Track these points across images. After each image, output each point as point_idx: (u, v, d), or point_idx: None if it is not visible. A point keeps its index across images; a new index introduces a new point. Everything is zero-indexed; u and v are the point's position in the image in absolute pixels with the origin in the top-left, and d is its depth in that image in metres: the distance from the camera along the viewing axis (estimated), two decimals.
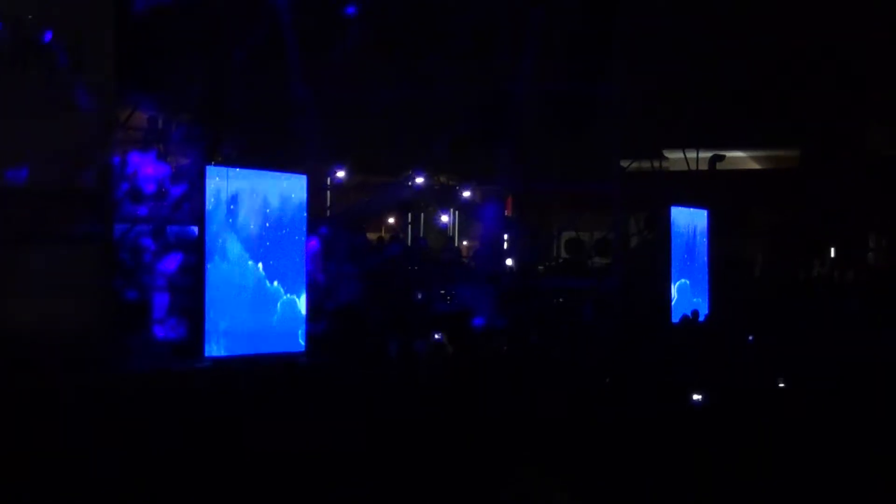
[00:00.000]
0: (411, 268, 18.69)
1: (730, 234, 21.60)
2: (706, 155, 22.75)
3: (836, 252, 27.01)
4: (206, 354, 12.14)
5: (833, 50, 24.07)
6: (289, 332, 13.11)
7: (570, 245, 23.10)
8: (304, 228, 13.41)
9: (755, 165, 29.07)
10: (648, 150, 21.62)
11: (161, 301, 12.94)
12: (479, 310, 16.26)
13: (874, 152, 26.52)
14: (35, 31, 11.09)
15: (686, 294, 18.63)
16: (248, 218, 12.72)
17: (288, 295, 13.06)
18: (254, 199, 12.79)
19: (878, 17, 23.71)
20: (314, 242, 14.40)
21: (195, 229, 12.57)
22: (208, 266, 12.24)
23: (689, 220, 19.04)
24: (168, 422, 9.33)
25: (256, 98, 15.39)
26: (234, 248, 12.54)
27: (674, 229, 18.51)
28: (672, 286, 18.26)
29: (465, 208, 23.47)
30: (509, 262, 21.63)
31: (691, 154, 22.10)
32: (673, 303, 18.14)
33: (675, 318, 17.15)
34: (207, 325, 12.18)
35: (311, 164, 15.65)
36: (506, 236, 22.41)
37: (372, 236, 21.49)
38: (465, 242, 26.05)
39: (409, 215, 24.30)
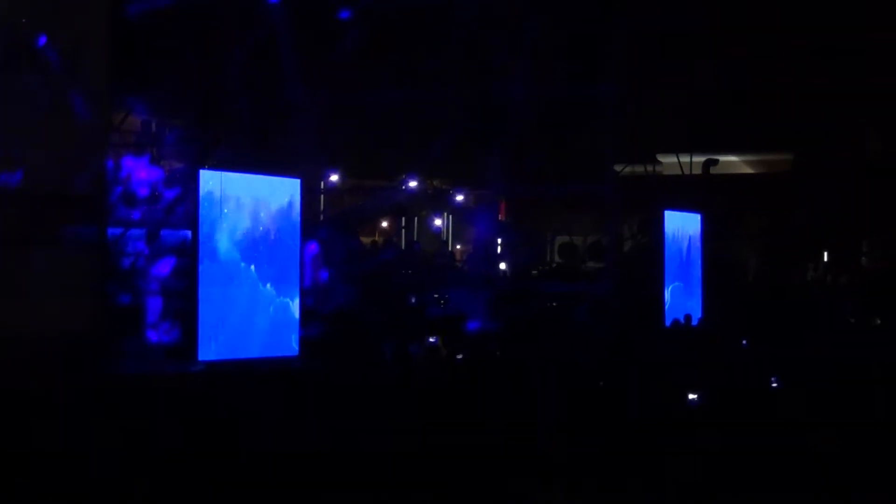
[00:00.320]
0: (405, 272, 18.69)
1: (723, 237, 21.60)
2: (700, 159, 22.74)
3: (829, 255, 27.07)
4: (200, 358, 12.12)
5: (826, 54, 24.12)
6: (282, 335, 13.09)
7: (563, 249, 23.13)
8: (298, 232, 13.39)
9: (748, 169, 29.11)
10: (642, 154, 21.62)
11: (154, 304, 12.94)
12: (472, 314, 16.27)
13: (867, 156, 26.58)
14: (29, 35, 11.07)
15: (680, 297, 18.64)
16: (242, 222, 12.70)
17: (281, 298, 13.05)
18: (247, 202, 12.78)
19: (871, 20, 23.75)
20: (313, 246, 14.41)
21: (188, 233, 12.56)
22: (201, 269, 12.23)
23: (682, 223, 19.04)
24: (161, 425, 9.34)
25: (250, 102, 15.38)
26: (227, 251, 12.53)
27: (667, 233, 18.51)
28: (666, 290, 18.27)
29: (458, 212, 23.48)
30: (503, 266, 21.63)
31: (685, 158, 22.07)
32: (666, 306, 18.14)
33: (669, 322, 17.18)
34: (200, 329, 12.16)
35: (305, 168, 15.63)
36: (499, 240, 22.41)
37: (366, 240, 21.51)
38: (458, 246, 26.07)
39: (403, 219, 24.30)
